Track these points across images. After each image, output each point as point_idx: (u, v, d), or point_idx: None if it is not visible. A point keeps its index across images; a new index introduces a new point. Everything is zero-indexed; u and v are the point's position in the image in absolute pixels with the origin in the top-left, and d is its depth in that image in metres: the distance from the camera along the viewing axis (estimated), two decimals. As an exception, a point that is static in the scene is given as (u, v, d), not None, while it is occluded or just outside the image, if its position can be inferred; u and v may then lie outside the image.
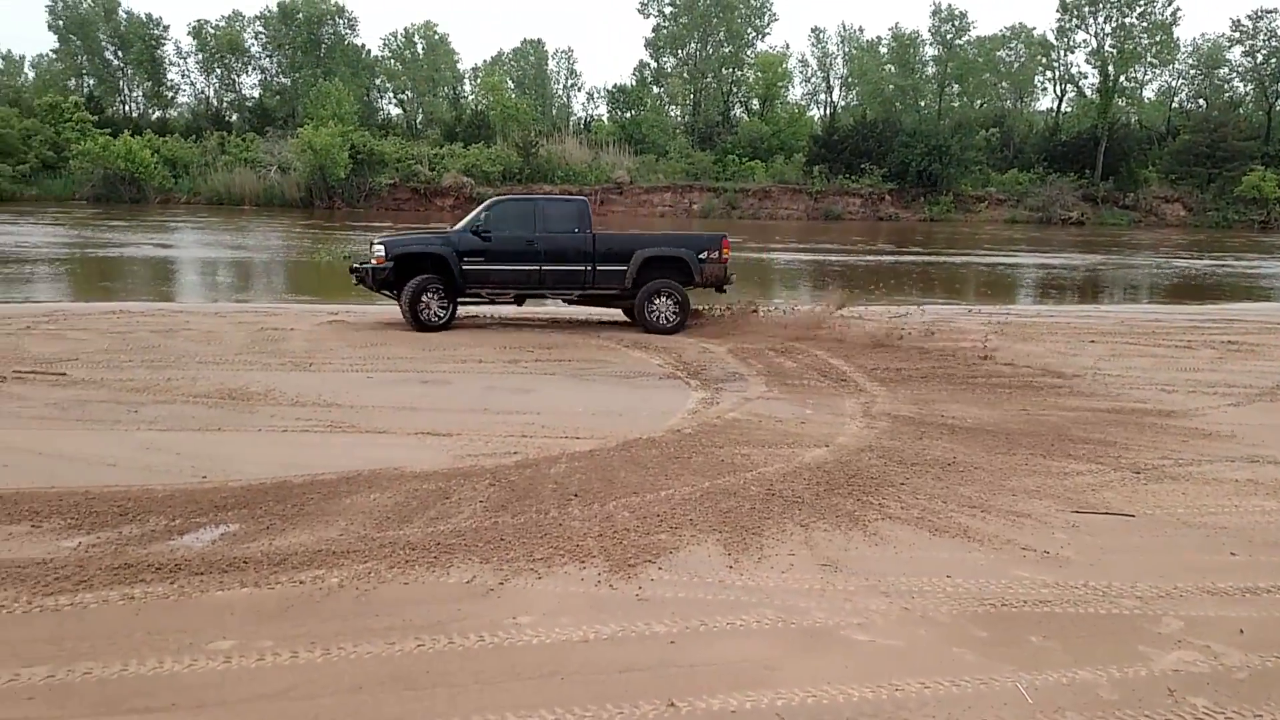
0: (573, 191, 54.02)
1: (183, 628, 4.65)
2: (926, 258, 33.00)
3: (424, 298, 14.30)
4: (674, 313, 14.93)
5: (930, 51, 71.16)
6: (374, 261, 14.50)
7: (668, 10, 71.78)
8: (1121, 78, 66.81)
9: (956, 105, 71.53)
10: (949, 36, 69.43)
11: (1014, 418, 9.65)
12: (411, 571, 5.38)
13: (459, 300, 14.82)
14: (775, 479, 7.26)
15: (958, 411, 9.82)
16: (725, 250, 15.40)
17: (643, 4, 72.25)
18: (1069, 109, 72.32)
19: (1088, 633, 4.96)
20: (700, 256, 15.17)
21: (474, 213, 15.37)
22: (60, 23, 70.52)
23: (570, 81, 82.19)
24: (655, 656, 4.53)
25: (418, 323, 14.29)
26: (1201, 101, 71.91)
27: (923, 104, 71.07)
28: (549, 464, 7.56)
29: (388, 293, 14.95)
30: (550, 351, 12.95)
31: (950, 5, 69.31)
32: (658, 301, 14.91)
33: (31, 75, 76.21)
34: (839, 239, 39.41)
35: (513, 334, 14.49)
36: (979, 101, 73.06)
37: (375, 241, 14.79)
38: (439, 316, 14.47)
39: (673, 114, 71.87)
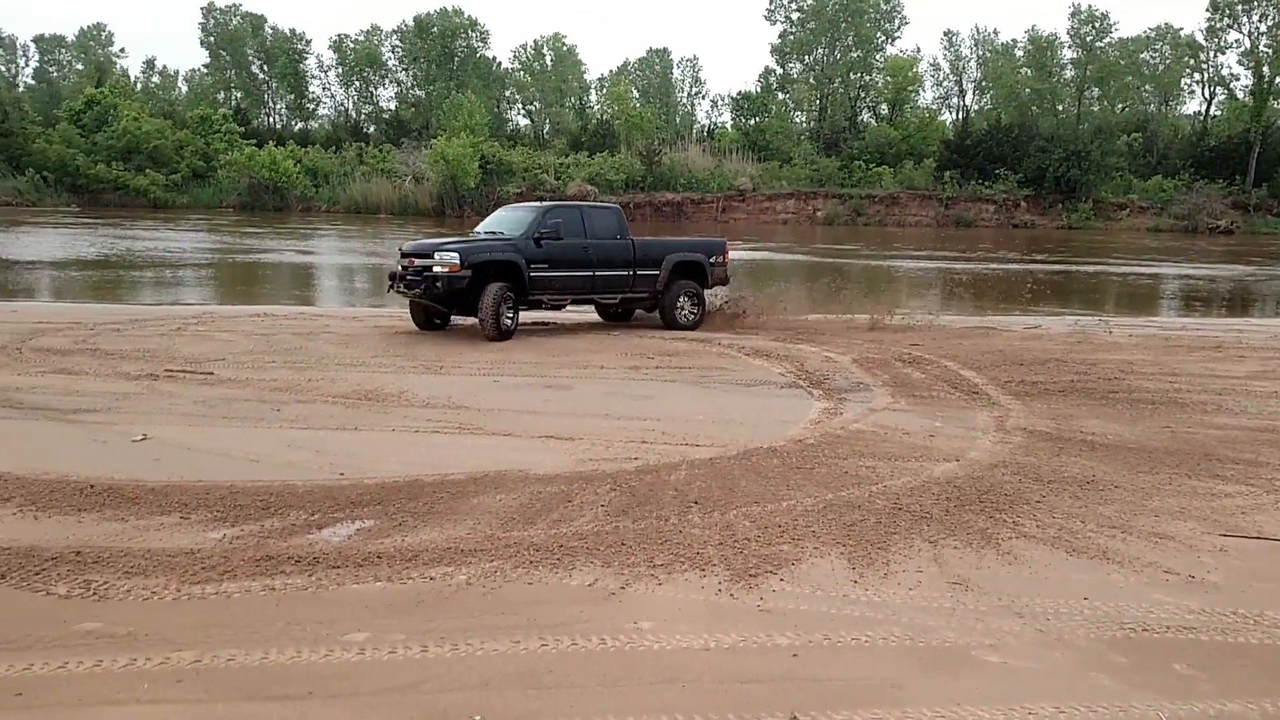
0: (694, 199, 54.12)
1: (319, 619, 4.83)
2: (1063, 266, 31.78)
3: (502, 306, 14.11)
4: (694, 312, 16.07)
5: (1069, 54, 68.63)
6: (445, 269, 13.84)
7: (795, 16, 71.29)
8: (1278, 79, 62.97)
9: (1096, 109, 68.70)
10: (1089, 38, 66.80)
11: (1157, 435, 9.18)
12: (536, 572, 5.47)
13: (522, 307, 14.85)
14: (902, 493, 7.10)
15: (1097, 427, 9.41)
16: (726, 256, 16.63)
17: (769, 10, 71.97)
18: (1218, 112, 68.59)
19: (1237, 663, 4.67)
20: (711, 261, 16.23)
21: (526, 218, 15.20)
22: (212, 39, 74.71)
23: (694, 89, 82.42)
24: (778, 669, 4.47)
25: (500, 331, 14.04)
26: (1369, 102, 67.15)
27: (1060, 108, 68.53)
28: (669, 470, 7.57)
29: (441, 307, 14.66)
30: (671, 359, 12.99)
31: (1091, 6, 66.73)
32: (683, 301, 15.95)
33: (184, 89, 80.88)
34: (968, 245, 38.32)
35: (634, 339, 14.59)
36: (1120, 105, 70.02)
37: (443, 248, 14.17)
38: (512, 324, 14.39)
39: (798, 120, 71.25)
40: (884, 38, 71.09)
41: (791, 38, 71.50)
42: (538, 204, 16.38)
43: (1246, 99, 64.26)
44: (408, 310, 15.45)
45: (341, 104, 77.28)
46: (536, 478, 7.28)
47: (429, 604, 5.03)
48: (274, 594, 5.13)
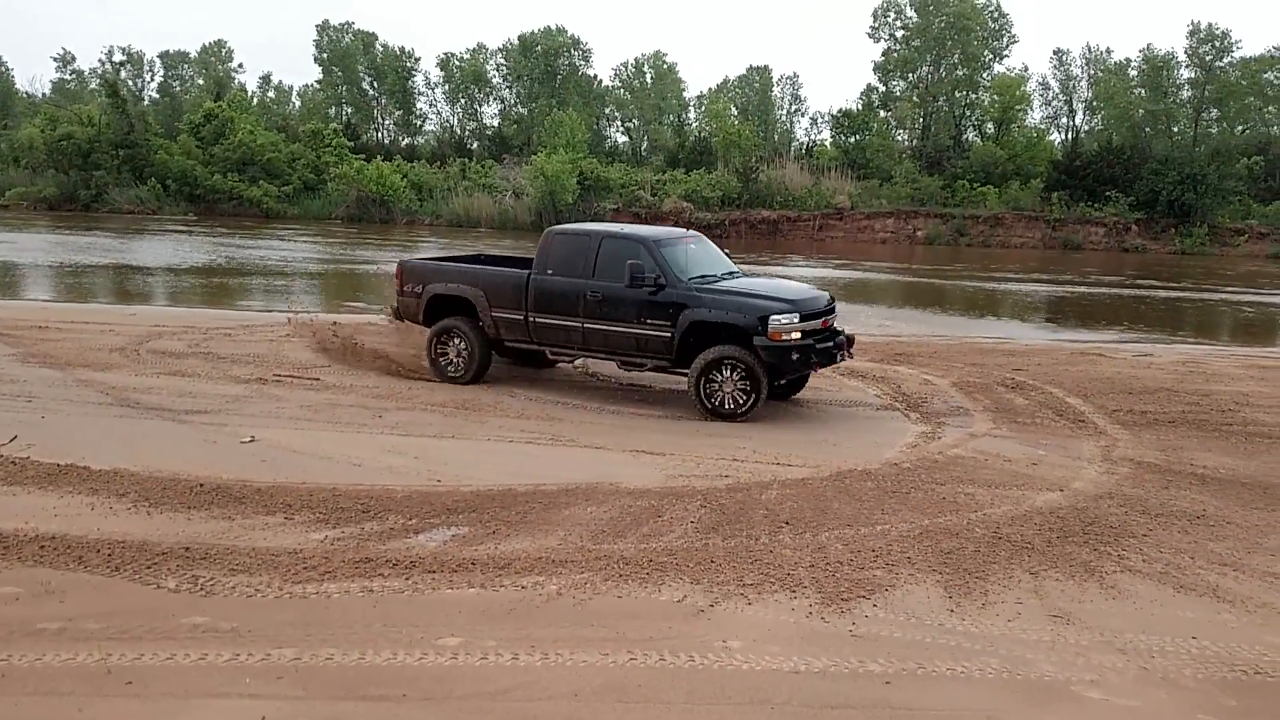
0: (790, 217, 53.82)
1: (415, 622, 4.94)
2: (1176, 293, 30.57)
3: None
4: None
5: (1186, 74, 66.16)
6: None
7: (899, 34, 70.34)
8: None
9: (1214, 131, 65.99)
10: (1208, 58, 64.27)
11: (1274, 470, 8.75)
12: (625, 585, 5.49)
13: None
14: (1002, 521, 6.91)
15: (1209, 460, 9.01)
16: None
17: (873, 29, 71.20)
18: (1349, 133, 65.23)
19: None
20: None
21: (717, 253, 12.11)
22: (325, 56, 77.32)
23: (794, 107, 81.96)
24: (870, 696, 4.40)
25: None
26: None
27: (1175, 129, 66.07)
28: (760, 489, 7.53)
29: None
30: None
31: (1210, 25, 64.19)
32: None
33: (298, 104, 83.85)
34: (1075, 268, 37.15)
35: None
36: (1241, 127, 67.09)
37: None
38: None
39: (900, 138, 70.24)
40: (991, 55, 69.53)
41: (896, 55, 70.55)
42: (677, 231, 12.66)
43: (1379, 121, 61.03)
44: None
45: (447, 120, 79.14)
46: (627, 491, 7.32)
47: (520, 612, 5.09)
48: (372, 595, 5.26)
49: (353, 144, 60.72)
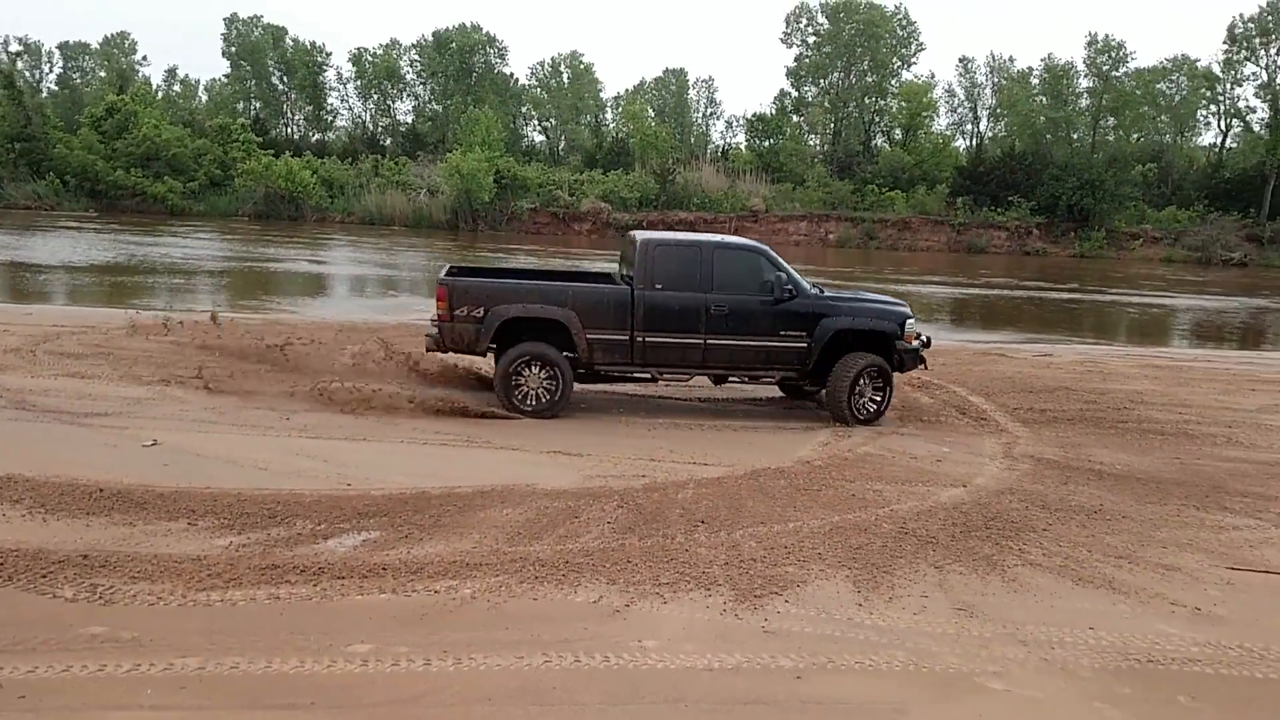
0: (708, 218, 54.30)
1: (324, 629, 4.84)
2: (1074, 295, 31.72)
3: None
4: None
5: (1085, 83, 68.67)
6: None
7: (811, 40, 71.50)
8: (1295, 111, 62.88)
9: (1112, 138, 68.60)
10: (1105, 68, 66.81)
11: (1166, 466, 9.15)
12: (541, 587, 5.47)
13: None
14: (909, 517, 7.09)
15: (1106, 457, 9.38)
16: None
17: (786, 34, 72.25)
18: (1234, 144, 68.50)
19: (1242, 696, 4.66)
20: None
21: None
22: (233, 49, 75.25)
23: (709, 110, 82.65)
24: (781, 691, 4.47)
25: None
26: (1386, 138, 67.03)
27: (1075, 137, 68.50)
28: (677, 489, 7.58)
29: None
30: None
31: (1107, 36, 66.73)
32: None
33: (205, 98, 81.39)
34: (978, 271, 38.27)
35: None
36: (1136, 135, 69.92)
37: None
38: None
39: (812, 142, 71.39)
40: (900, 63, 71.20)
41: (808, 61, 71.72)
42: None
43: (1262, 132, 64.18)
44: (415, 317, 15.07)
45: (359, 116, 77.77)
46: (544, 493, 7.30)
47: (433, 617, 5.03)
48: (279, 603, 5.14)
49: (261, 139, 59.18)
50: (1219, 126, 70.21)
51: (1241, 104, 66.82)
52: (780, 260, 10.65)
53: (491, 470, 7.91)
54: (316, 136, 75.53)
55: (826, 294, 10.87)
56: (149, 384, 10.60)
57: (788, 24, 72.48)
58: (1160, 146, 67.79)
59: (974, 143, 73.30)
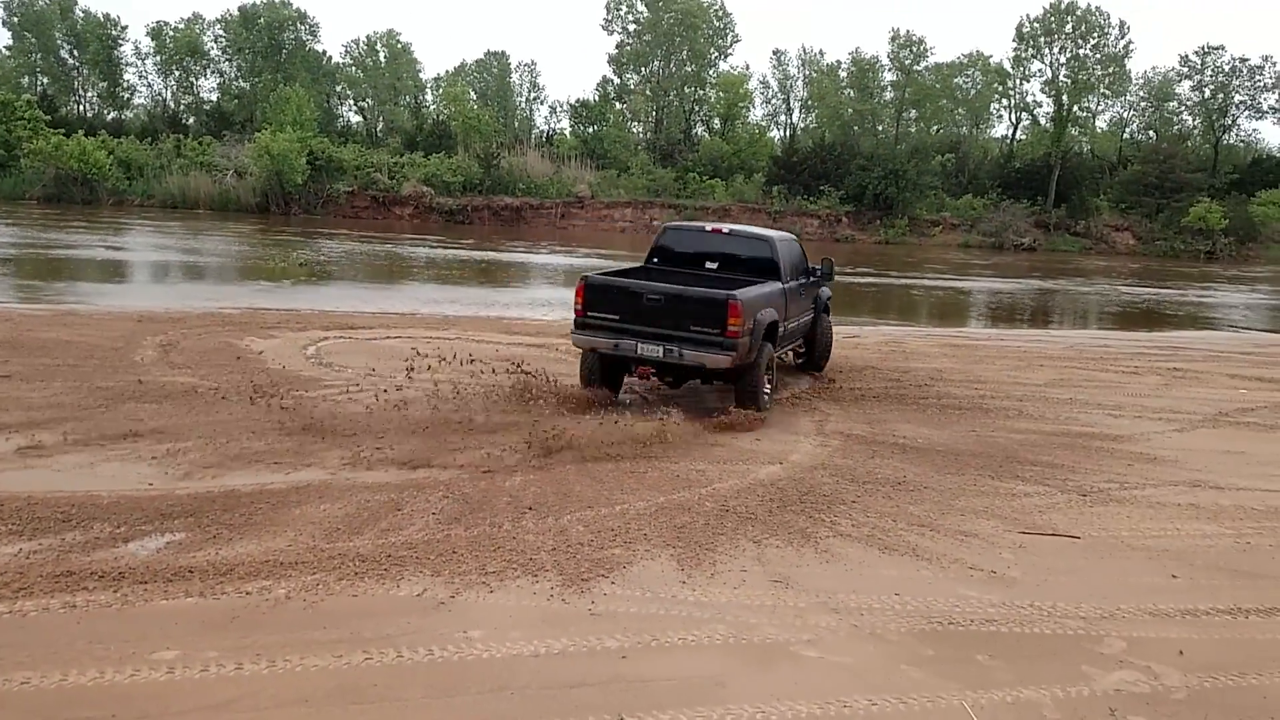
0: (534, 204, 54.01)
1: (126, 637, 4.56)
2: (879, 279, 33.38)
3: None
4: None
5: (889, 77, 72.16)
6: None
7: (631, 28, 72.09)
8: (1075, 107, 68.17)
9: (914, 130, 72.44)
10: (908, 62, 70.38)
11: (964, 439, 9.78)
12: (361, 583, 5.33)
13: None
14: (729, 495, 7.30)
15: (909, 431, 9.94)
16: None
17: (606, 21, 72.58)
18: (1024, 136, 73.61)
19: (1032, 652, 5.04)
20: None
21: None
22: (15, 19, 69.14)
23: (533, 95, 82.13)
24: (607, 672, 4.52)
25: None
26: (1152, 133, 73.62)
27: (880, 128, 71.96)
28: (505, 476, 7.53)
29: None
30: (507, 364, 12.87)
31: (909, 32, 70.31)
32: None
33: (-18, 72, 74.59)
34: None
35: (478, 345, 14.36)
36: (935, 127, 74.06)
37: None
38: None
39: (635, 130, 72.11)
40: (717, 53, 72.79)
41: (628, 48, 72.35)
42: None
43: (1048, 125, 69.30)
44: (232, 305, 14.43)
45: (159, 94, 73.04)
46: (364, 486, 7.10)
47: (244, 619, 4.82)
48: (75, 611, 4.81)
49: (50, 117, 54.74)
50: (1010, 119, 75.28)
51: (1030, 99, 71.83)
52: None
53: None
54: (112, 115, 70.53)
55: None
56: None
57: (608, 10, 72.79)
58: (958, 138, 72.14)
59: (788, 133, 75.80)
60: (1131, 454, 9.47)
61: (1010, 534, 6.86)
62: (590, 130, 67.41)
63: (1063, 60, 68.03)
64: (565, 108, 75.84)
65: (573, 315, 10.11)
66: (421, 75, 77.94)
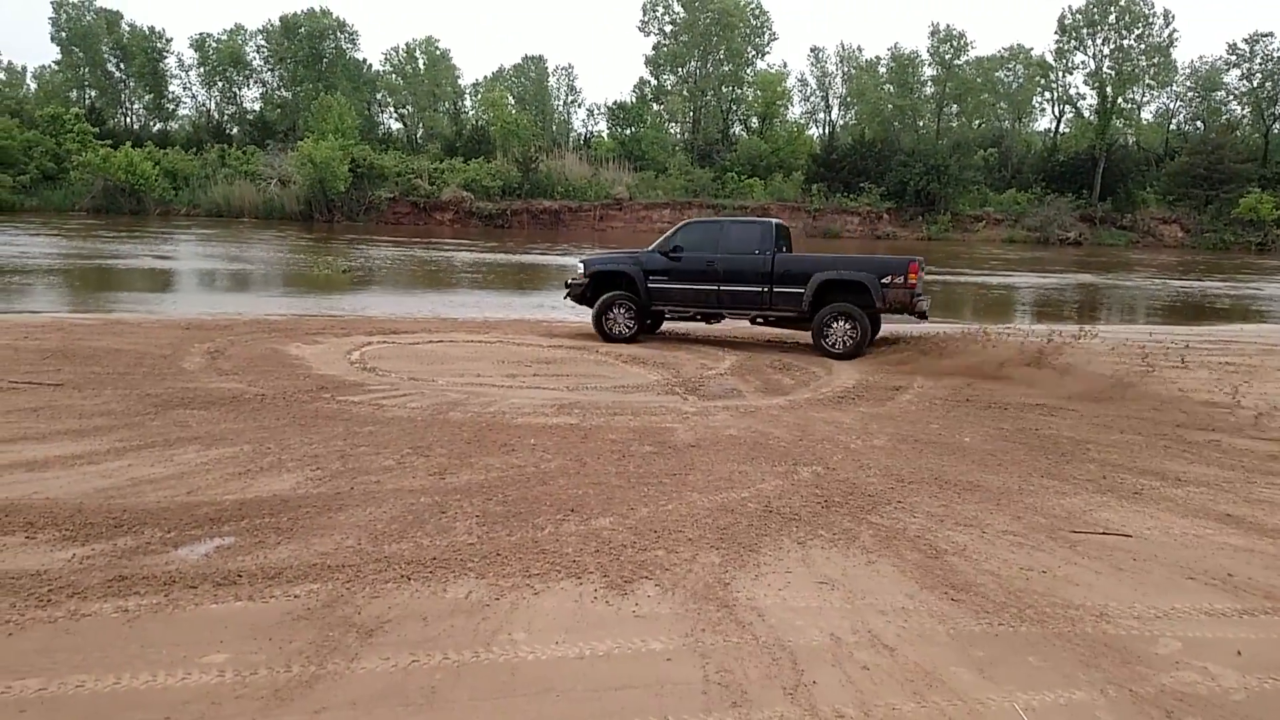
0: (572, 207, 54.20)
1: (177, 641, 4.62)
2: (934, 276, 33.06)
3: (611, 312, 15.55)
4: (850, 338, 14.34)
5: (929, 71, 71.64)
6: (573, 278, 16.26)
7: (668, 29, 72.27)
8: (1119, 99, 67.20)
9: (955, 125, 71.89)
10: (948, 57, 69.85)
11: (1005, 437, 9.63)
12: (407, 586, 5.36)
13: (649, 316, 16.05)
14: (773, 496, 7.25)
15: (944, 436, 9.81)
16: (913, 275, 14.30)
17: (643, 22, 72.78)
18: (1067, 129, 72.75)
19: (1086, 654, 4.94)
20: (883, 281, 14.31)
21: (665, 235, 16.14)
22: (63, 34, 70.73)
23: (570, 98, 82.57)
24: (651, 674, 4.50)
25: (604, 334, 15.62)
26: (1199, 124, 72.35)
27: (921, 124, 71.45)
28: (545, 480, 7.53)
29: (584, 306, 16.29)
30: (548, 366, 12.96)
31: (949, 26, 69.87)
32: (835, 325, 14.44)
33: (33, 86, 76.35)
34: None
35: (511, 348, 14.48)
36: (977, 121, 73.42)
37: (578, 260, 16.67)
38: (621, 330, 15.60)
39: (672, 131, 72.21)
40: (754, 52, 72.75)
41: (665, 49, 72.51)
42: (714, 220, 16.88)
43: (1091, 117, 68.31)
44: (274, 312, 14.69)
45: (203, 104, 74.45)
46: (408, 490, 7.14)
47: (292, 623, 4.86)
48: (127, 615, 4.88)
49: (98, 130, 56.02)
50: (1053, 113, 74.40)
51: (1073, 91, 70.89)
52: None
53: (353, 468, 7.66)
54: (158, 126, 72.03)
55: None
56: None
57: (644, 12, 73.03)
58: (1000, 132, 71.38)
59: (826, 130, 75.44)
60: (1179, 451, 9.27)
61: (1061, 532, 6.74)
62: (628, 132, 67.61)
63: (1106, 51, 67.09)
64: (603, 110, 76.41)
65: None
66: (460, 81, 78.82)
